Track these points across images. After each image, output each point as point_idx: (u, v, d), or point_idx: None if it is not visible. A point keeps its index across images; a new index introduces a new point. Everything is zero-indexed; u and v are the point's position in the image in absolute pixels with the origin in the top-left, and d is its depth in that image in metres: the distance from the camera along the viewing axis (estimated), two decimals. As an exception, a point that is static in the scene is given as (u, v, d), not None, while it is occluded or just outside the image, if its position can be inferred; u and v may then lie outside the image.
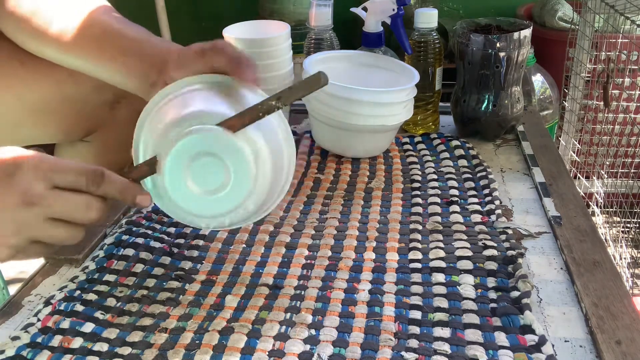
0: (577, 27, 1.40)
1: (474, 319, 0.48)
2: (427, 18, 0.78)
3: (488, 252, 0.56)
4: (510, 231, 0.60)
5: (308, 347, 0.46)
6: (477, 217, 0.62)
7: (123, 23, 0.58)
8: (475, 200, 0.66)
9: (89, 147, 0.79)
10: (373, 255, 0.57)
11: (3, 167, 0.43)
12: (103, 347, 0.47)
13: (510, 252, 0.56)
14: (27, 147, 0.47)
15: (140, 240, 0.60)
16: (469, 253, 0.56)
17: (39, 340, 0.48)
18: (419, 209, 0.65)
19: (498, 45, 0.73)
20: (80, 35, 0.57)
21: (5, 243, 0.44)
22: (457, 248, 0.57)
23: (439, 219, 0.62)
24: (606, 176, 1.45)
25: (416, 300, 0.51)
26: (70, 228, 0.46)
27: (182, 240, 0.61)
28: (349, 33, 1.34)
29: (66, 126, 0.75)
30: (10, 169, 0.43)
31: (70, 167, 0.45)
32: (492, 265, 0.54)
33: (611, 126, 1.47)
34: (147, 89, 0.55)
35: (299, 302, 0.51)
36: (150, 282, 0.54)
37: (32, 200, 0.43)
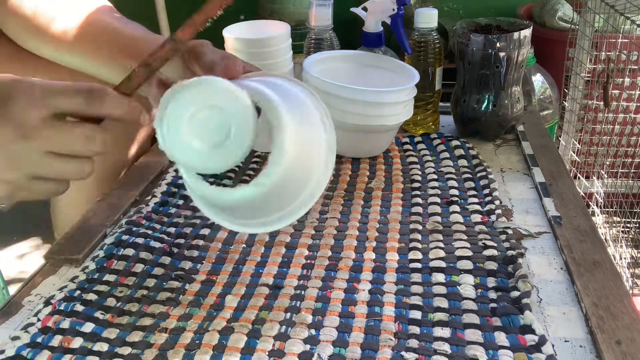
0: (577, 27, 1.40)
1: (474, 319, 0.48)
2: (427, 18, 0.78)
3: (488, 252, 0.56)
4: (510, 231, 0.60)
5: (308, 347, 0.46)
6: (477, 217, 0.62)
7: (122, 22, 0.59)
8: (475, 200, 0.66)
9: None
10: (373, 255, 0.57)
11: None
12: (103, 347, 0.47)
13: (510, 252, 0.56)
14: None
15: (140, 240, 0.60)
16: (469, 253, 0.56)
17: (39, 340, 0.48)
18: (419, 209, 0.65)
19: (498, 45, 0.73)
20: (79, 34, 0.57)
21: (1, 179, 0.41)
22: (457, 248, 0.57)
23: (439, 219, 0.62)
24: (606, 176, 1.45)
25: (416, 300, 0.51)
26: (74, 162, 0.42)
27: (182, 240, 0.61)
28: (349, 33, 1.34)
29: None
30: (2, 98, 0.40)
31: (65, 87, 0.41)
32: (492, 265, 0.54)
33: (611, 126, 1.47)
34: (144, 87, 0.55)
35: (299, 302, 0.51)
36: (150, 282, 0.54)
37: (27, 133, 0.39)
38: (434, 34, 0.79)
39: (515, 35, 0.73)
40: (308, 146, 0.47)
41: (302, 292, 0.52)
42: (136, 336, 0.48)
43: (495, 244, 0.57)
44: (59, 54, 0.60)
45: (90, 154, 0.43)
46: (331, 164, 0.48)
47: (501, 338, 0.46)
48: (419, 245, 0.58)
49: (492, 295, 0.51)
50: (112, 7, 0.61)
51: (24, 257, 1.54)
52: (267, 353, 0.46)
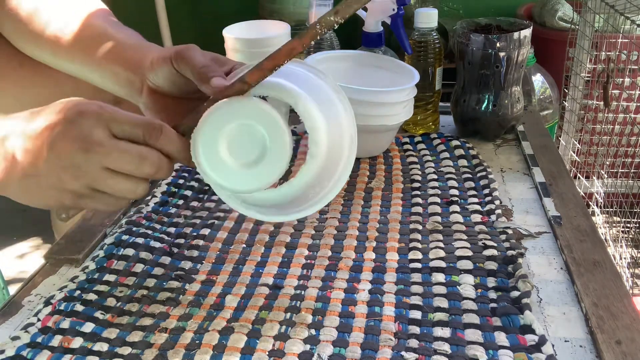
0: (577, 27, 1.40)
1: (474, 318, 0.48)
2: (427, 18, 0.78)
3: (488, 252, 0.56)
4: (510, 231, 0.60)
5: (308, 347, 0.46)
6: (477, 217, 0.62)
7: (115, 27, 0.58)
8: (475, 200, 0.66)
9: None
10: (373, 255, 0.57)
11: (66, 113, 0.44)
12: (103, 347, 0.47)
13: (510, 252, 0.56)
14: None
15: (140, 240, 0.60)
16: (469, 253, 0.56)
17: (39, 340, 0.48)
18: (419, 209, 0.65)
19: (498, 45, 0.73)
20: (72, 41, 0.57)
21: (66, 188, 0.44)
22: (457, 248, 0.57)
23: (439, 218, 0.62)
24: (606, 176, 1.45)
25: (416, 300, 0.51)
26: (129, 181, 0.45)
27: (182, 240, 0.61)
28: (349, 33, 1.34)
29: None
30: (72, 116, 0.44)
31: (129, 118, 0.45)
32: (492, 265, 0.54)
33: (611, 126, 1.47)
34: (136, 96, 0.55)
35: (299, 302, 0.51)
36: (150, 282, 0.54)
37: (90, 146, 0.43)
38: (434, 34, 0.79)
39: (515, 35, 0.73)
40: (336, 138, 0.49)
41: (302, 292, 0.52)
42: (136, 336, 0.48)
43: (495, 244, 0.57)
44: (54, 60, 0.60)
45: (143, 175, 0.46)
46: (354, 146, 0.50)
47: (501, 338, 0.46)
48: (419, 245, 0.58)
49: (492, 295, 0.51)
50: (108, 11, 0.61)
51: (24, 257, 1.54)
52: (267, 353, 0.46)
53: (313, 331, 0.48)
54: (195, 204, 0.68)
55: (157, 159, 0.46)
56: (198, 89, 0.49)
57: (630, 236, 1.43)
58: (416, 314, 0.49)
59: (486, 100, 0.77)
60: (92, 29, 0.57)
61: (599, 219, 1.45)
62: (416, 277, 0.54)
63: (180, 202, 0.68)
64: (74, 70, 0.59)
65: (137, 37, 0.58)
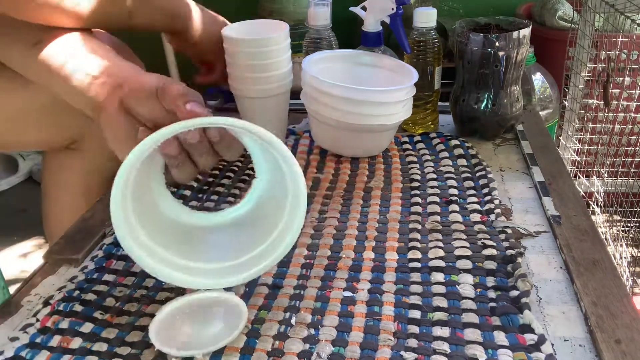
0: (577, 26, 1.40)
1: (473, 318, 0.48)
2: (427, 17, 0.78)
3: (487, 252, 0.56)
4: (509, 230, 0.60)
5: (307, 346, 0.46)
6: (476, 217, 0.62)
7: (88, 46, 0.57)
8: (475, 199, 0.66)
9: (73, 155, 0.79)
10: (372, 255, 0.57)
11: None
12: (102, 347, 0.47)
13: (509, 252, 0.56)
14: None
15: (139, 240, 0.60)
16: (468, 252, 0.56)
17: (38, 340, 0.48)
18: (418, 209, 0.65)
19: (497, 44, 0.73)
20: (41, 61, 0.56)
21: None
22: (457, 247, 0.57)
23: (438, 218, 0.62)
24: (606, 175, 1.45)
25: (415, 299, 0.51)
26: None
27: (181, 240, 0.60)
28: (348, 32, 1.34)
29: (46, 136, 0.75)
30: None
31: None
32: (491, 265, 0.54)
33: (611, 125, 1.47)
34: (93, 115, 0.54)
35: (298, 302, 0.51)
36: (150, 282, 0.54)
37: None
38: (433, 33, 0.79)
39: (515, 34, 0.73)
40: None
41: (302, 292, 0.52)
42: (135, 336, 0.48)
43: (494, 243, 0.57)
44: (24, 72, 0.59)
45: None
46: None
47: (500, 337, 0.46)
48: (418, 245, 0.58)
49: (492, 294, 0.51)
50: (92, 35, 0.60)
51: (25, 257, 1.54)
52: (267, 353, 0.46)
53: (312, 330, 0.48)
54: (194, 203, 0.68)
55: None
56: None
57: (631, 235, 1.43)
58: (415, 314, 0.49)
59: (485, 100, 0.77)
60: (61, 47, 0.56)
61: (599, 218, 1.45)
62: (415, 276, 0.54)
63: (180, 201, 0.68)
64: (46, 86, 0.58)
65: (108, 50, 0.57)
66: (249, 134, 0.46)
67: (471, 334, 0.47)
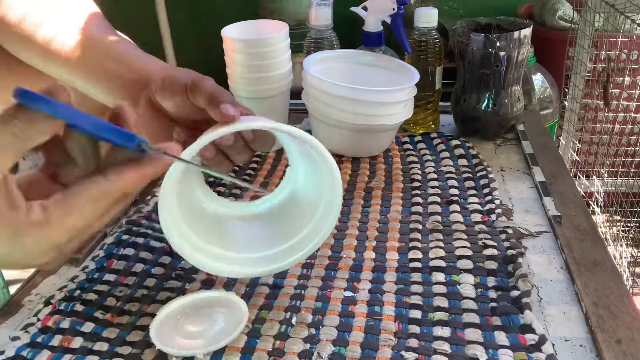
0: (577, 26, 1.40)
1: (474, 318, 0.48)
2: (427, 17, 0.78)
3: (488, 252, 0.56)
4: (510, 230, 0.60)
5: (308, 346, 0.46)
6: (477, 217, 0.62)
7: (110, 36, 0.56)
8: (475, 199, 0.66)
9: None
10: (373, 255, 0.57)
11: None
12: (103, 346, 0.47)
13: (510, 252, 0.56)
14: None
15: (140, 240, 0.60)
16: (469, 252, 0.56)
17: (39, 340, 0.48)
18: (419, 209, 0.65)
19: (498, 44, 0.73)
20: (63, 46, 0.55)
21: None
22: (457, 247, 0.57)
23: (439, 218, 0.62)
24: (606, 175, 1.45)
25: (416, 299, 0.51)
26: None
27: (182, 240, 0.61)
28: (349, 32, 1.34)
29: None
30: None
31: None
32: (492, 265, 0.54)
33: (611, 125, 1.47)
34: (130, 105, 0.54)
35: (299, 302, 0.51)
36: (150, 282, 0.54)
37: None
38: (434, 33, 0.79)
39: (515, 34, 0.73)
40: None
41: (302, 292, 0.52)
42: (136, 336, 0.48)
43: (495, 244, 0.57)
44: (44, 64, 0.59)
45: None
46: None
47: (501, 337, 0.46)
48: (419, 245, 0.58)
49: (492, 294, 0.51)
50: (101, 15, 0.59)
51: (25, 256, 1.54)
52: (267, 352, 0.46)
53: (313, 330, 0.48)
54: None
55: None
56: (197, 119, 0.48)
57: (631, 235, 1.44)
58: (416, 314, 0.49)
59: (486, 100, 0.77)
60: (85, 34, 0.56)
61: (599, 218, 1.45)
62: (416, 276, 0.54)
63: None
64: (64, 76, 0.58)
65: (132, 46, 0.57)
66: (291, 137, 0.46)
67: (472, 334, 0.47)
